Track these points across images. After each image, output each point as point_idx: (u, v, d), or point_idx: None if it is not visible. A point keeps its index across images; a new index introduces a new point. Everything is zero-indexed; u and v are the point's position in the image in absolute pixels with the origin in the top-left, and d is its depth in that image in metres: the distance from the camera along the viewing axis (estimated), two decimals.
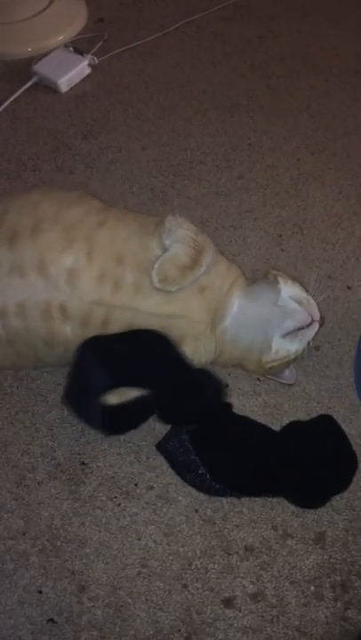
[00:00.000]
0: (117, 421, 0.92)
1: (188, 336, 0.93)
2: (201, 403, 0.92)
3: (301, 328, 0.92)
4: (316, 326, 0.93)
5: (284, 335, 0.92)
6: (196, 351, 0.94)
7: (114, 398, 0.88)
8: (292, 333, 0.92)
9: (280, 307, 0.92)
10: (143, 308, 0.90)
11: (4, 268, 0.88)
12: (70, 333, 0.90)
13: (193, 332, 0.93)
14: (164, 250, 0.91)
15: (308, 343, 0.94)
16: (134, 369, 0.89)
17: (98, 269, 0.89)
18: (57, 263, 0.88)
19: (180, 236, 0.90)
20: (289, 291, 0.93)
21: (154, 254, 0.90)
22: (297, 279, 0.98)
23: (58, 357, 0.94)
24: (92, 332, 0.89)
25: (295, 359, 0.95)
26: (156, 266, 0.88)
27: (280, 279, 0.94)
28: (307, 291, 0.96)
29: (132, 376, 0.89)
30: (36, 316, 0.89)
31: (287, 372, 1.01)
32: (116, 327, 0.90)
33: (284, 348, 0.93)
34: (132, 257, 0.90)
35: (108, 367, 0.88)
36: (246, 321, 0.94)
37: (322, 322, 0.94)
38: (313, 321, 0.92)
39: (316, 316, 0.93)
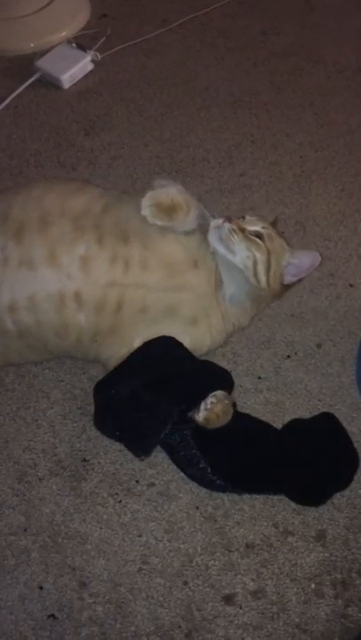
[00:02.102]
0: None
1: (199, 316, 0.94)
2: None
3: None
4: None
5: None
6: (210, 331, 0.96)
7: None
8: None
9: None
10: (152, 283, 0.91)
11: (13, 262, 0.89)
12: (84, 322, 0.91)
13: (202, 308, 0.94)
14: None
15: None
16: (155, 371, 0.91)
17: (109, 252, 0.90)
18: (68, 253, 0.89)
19: (172, 187, 0.93)
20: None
21: (151, 226, 0.92)
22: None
23: (67, 348, 0.95)
24: (106, 319, 0.91)
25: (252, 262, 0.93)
26: (149, 193, 0.90)
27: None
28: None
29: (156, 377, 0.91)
30: (48, 309, 0.89)
31: (303, 257, 0.97)
32: (129, 311, 0.91)
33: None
34: (135, 234, 0.91)
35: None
36: (227, 274, 0.96)
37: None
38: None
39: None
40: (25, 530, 0.89)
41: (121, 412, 0.91)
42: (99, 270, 0.89)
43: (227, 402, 0.90)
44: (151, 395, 0.89)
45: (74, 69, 1.43)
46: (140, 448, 0.92)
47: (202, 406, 0.89)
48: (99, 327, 0.91)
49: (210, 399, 0.89)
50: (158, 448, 0.94)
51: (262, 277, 0.94)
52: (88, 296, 0.89)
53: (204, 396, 0.90)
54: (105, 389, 0.93)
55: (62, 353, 0.97)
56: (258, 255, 0.92)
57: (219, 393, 0.90)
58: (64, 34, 1.50)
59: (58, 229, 0.90)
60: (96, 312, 0.90)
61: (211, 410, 0.89)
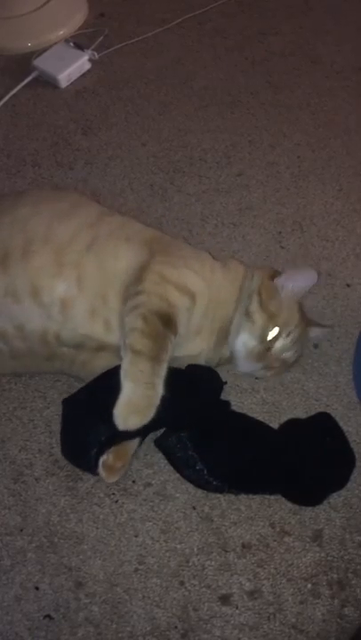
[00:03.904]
0: None
1: (188, 358, 0.94)
2: (200, 402, 0.93)
3: None
4: None
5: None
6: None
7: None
8: None
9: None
10: None
11: None
12: (67, 353, 0.91)
13: (194, 359, 0.95)
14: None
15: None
16: None
17: (88, 304, 0.88)
18: (49, 290, 0.87)
19: (129, 373, 0.83)
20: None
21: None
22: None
23: (58, 369, 0.96)
24: (86, 354, 0.91)
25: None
26: (116, 413, 0.83)
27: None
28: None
29: None
30: (35, 339, 0.90)
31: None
32: (109, 353, 0.90)
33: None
34: (116, 297, 0.89)
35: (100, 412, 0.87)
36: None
37: None
38: None
39: None
40: (21, 530, 0.89)
41: (67, 428, 0.91)
42: (78, 319, 0.88)
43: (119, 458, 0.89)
44: (86, 411, 0.88)
45: (71, 68, 1.43)
46: (78, 465, 0.92)
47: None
48: (77, 359, 0.92)
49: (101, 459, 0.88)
50: (155, 448, 0.94)
51: None
52: (68, 339, 0.89)
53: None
54: (64, 406, 0.93)
55: (55, 372, 0.99)
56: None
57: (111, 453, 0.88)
58: (62, 33, 1.50)
59: (40, 260, 0.88)
60: (77, 349, 0.90)
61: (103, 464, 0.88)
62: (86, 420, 0.88)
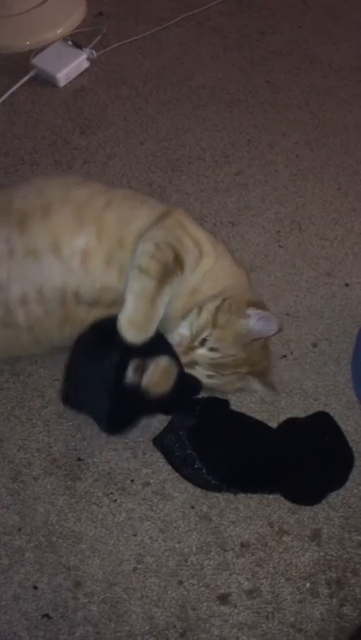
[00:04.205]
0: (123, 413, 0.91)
1: (172, 320, 0.94)
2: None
3: None
4: None
5: None
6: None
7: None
8: None
9: None
10: None
11: (19, 253, 0.89)
12: (81, 313, 0.92)
13: (174, 324, 0.94)
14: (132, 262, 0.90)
15: None
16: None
17: (105, 252, 0.91)
18: (70, 244, 0.90)
19: (133, 288, 0.88)
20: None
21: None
22: None
23: (65, 338, 0.95)
24: (98, 311, 0.92)
25: None
26: (118, 325, 0.87)
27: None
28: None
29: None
30: (53, 300, 0.90)
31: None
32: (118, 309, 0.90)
33: None
34: (132, 242, 0.91)
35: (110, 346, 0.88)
36: None
37: None
38: None
39: None
40: (19, 529, 0.89)
41: (77, 373, 0.91)
42: (96, 271, 0.90)
43: (170, 369, 0.89)
44: (98, 345, 0.89)
45: (69, 67, 1.43)
46: (86, 406, 0.91)
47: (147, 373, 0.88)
48: (87, 319, 0.92)
49: (152, 366, 0.88)
50: (153, 447, 0.94)
51: None
52: (85, 295, 0.91)
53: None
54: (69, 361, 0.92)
55: (60, 344, 0.97)
56: None
57: (163, 360, 0.88)
58: (60, 31, 1.50)
59: (59, 218, 0.90)
60: (90, 307, 0.92)
61: (151, 376, 0.87)
62: (96, 355, 0.88)
